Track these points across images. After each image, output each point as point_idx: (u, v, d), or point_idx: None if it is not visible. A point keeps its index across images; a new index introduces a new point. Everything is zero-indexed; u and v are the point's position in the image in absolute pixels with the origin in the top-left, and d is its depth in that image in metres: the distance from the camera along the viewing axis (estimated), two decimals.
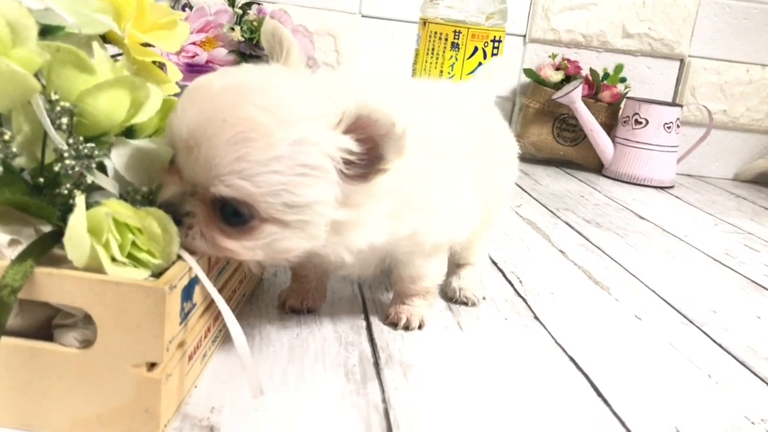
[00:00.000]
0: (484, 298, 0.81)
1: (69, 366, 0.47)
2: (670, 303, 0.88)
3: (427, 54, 1.13)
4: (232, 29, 1.51)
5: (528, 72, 1.75)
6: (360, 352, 0.66)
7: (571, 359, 0.69)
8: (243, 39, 1.49)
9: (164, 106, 0.61)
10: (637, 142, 1.67)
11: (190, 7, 1.52)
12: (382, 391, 0.59)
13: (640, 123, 1.66)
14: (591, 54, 1.81)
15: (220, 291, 0.61)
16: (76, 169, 0.48)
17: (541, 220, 1.22)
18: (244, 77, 0.52)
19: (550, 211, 1.29)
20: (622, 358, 0.71)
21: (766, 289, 0.98)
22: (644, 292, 0.91)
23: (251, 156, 0.48)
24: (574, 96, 1.65)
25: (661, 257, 1.08)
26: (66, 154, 0.47)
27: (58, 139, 0.48)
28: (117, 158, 0.54)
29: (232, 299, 0.66)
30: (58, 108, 0.48)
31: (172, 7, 1.53)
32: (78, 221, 0.45)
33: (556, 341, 0.73)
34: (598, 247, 1.09)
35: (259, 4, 1.52)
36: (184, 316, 0.50)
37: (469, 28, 1.08)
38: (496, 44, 1.13)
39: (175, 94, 0.62)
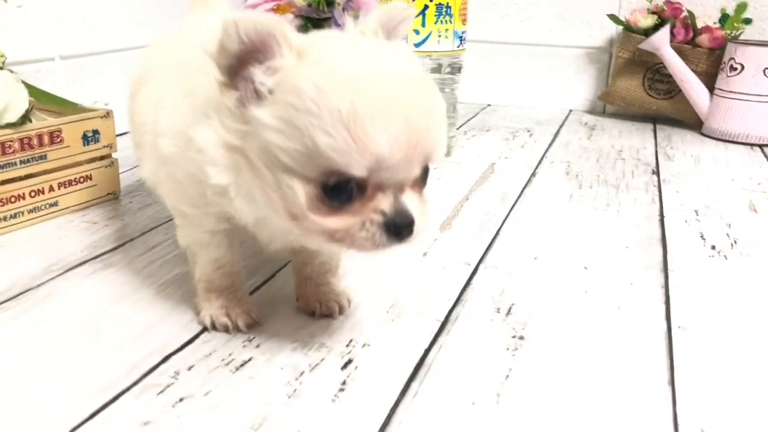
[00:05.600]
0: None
1: None
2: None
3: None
4: None
5: (613, 18, 1.58)
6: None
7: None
8: (309, 4, 1.60)
9: None
10: (731, 91, 1.42)
11: None
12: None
13: (735, 69, 1.41)
14: None
15: None
16: None
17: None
18: (393, 67, 0.55)
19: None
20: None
21: None
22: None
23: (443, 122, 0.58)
24: (656, 41, 1.46)
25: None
26: None
27: None
28: None
29: None
30: None
31: None
32: None
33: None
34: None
35: None
36: None
37: None
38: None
39: None
